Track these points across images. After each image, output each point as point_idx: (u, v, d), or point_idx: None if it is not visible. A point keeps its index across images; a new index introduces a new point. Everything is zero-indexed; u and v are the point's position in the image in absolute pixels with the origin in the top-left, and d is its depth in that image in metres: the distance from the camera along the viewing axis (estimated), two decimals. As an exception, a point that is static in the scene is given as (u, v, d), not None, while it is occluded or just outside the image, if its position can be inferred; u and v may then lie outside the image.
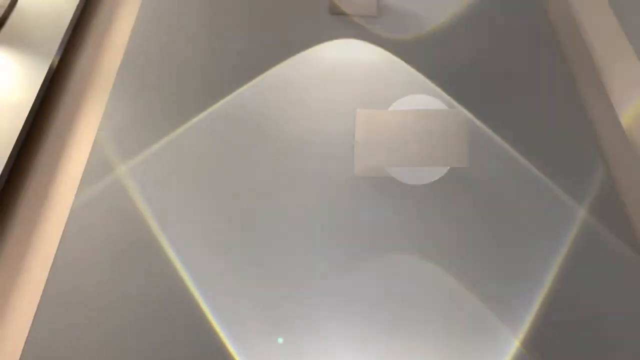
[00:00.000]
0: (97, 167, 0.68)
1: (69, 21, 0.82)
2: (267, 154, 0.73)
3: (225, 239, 0.64)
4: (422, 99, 0.75)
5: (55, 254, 0.61)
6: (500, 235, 0.68)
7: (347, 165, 0.73)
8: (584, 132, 0.80)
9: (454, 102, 0.82)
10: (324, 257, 0.64)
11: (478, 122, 0.79)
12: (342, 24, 0.91)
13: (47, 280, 0.59)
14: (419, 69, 0.85)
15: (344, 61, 0.86)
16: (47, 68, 0.75)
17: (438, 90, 0.83)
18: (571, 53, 0.93)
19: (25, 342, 0.56)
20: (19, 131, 0.68)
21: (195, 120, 0.75)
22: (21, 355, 0.55)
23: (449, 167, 0.72)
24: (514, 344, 0.61)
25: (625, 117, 0.83)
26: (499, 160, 0.76)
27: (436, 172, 0.72)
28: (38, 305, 0.58)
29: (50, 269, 0.60)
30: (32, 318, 0.57)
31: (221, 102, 0.77)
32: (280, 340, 0.59)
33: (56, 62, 0.78)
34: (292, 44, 0.87)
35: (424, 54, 0.87)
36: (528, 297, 0.63)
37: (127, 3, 0.90)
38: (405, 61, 0.86)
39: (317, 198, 0.69)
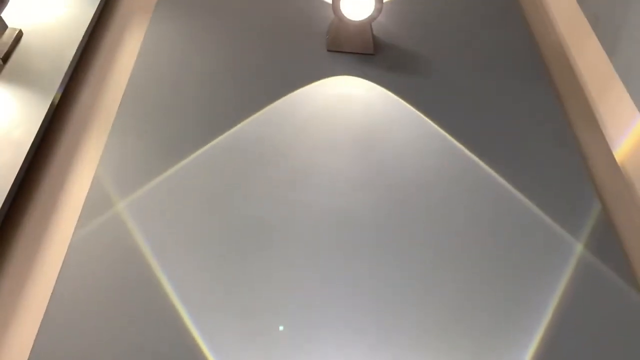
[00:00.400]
0: (96, 202, 0.68)
1: (71, 58, 0.83)
2: (265, 189, 0.73)
3: (223, 274, 0.64)
4: None
5: (54, 287, 0.61)
6: (499, 272, 0.69)
7: (345, 199, 0.73)
8: (579, 167, 0.81)
9: (449, 137, 0.83)
10: (323, 291, 0.64)
11: (474, 157, 0.80)
12: (340, 60, 0.92)
13: (46, 312, 0.59)
14: (415, 105, 0.86)
15: (342, 97, 0.88)
16: (49, 104, 0.76)
17: (434, 126, 0.84)
18: (563, 88, 0.95)
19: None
20: (19, 166, 0.69)
21: (194, 155, 0.75)
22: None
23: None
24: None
25: (619, 152, 0.85)
26: (495, 196, 0.76)
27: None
28: (36, 336, 0.57)
29: (49, 302, 0.60)
30: (30, 349, 0.57)
31: (220, 138, 0.78)
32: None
33: (58, 98, 0.79)
34: (291, 80, 0.88)
35: (419, 90, 0.89)
36: (527, 335, 0.63)
37: (129, 41, 0.92)
38: (401, 97, 0.87)
39: (315, 233, 0.70)
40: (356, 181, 0.76)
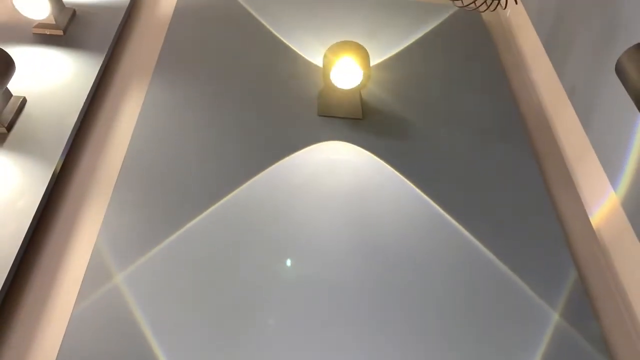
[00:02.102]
0: (96, 273, 0.71)
1: (73, 124, 0.87)
2: (259, 258, 0.77)
3: (220, 349, 0.67)
4: None
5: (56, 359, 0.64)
6: (477, 340, 0.72)
7: (334, 267, 0.77)
8: (556, 233, 0.85)
9: (431, 202, 0.87)
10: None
11: (455, 223, 0.84)
12: (330, 125, 0.97)
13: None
14: (400, 170, 0.91)
15: (332, 163, 0.92)
16: (52, 173, 0.80)
17: (417, 191, 0.88)
18: (542, 152, 0.99)
19: None
20: (22, 237, 0.72)
21: (190, 224, 0.79)
22: None
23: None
24: None
25: (595, 218, 0.89)
26: (474, 262, 0.80)
27: None
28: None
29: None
30: None
31: (216, 205, 0.82)
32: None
33: (60, 166, 0.82)
34: (284, 146, 0.92)
35: (405, 155, 0.93)
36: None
37: (128, 105, 0.96)
38: (388, 163, 0.92)
39: (308, 301, 0.73)
40: (345, 249, 0.80)
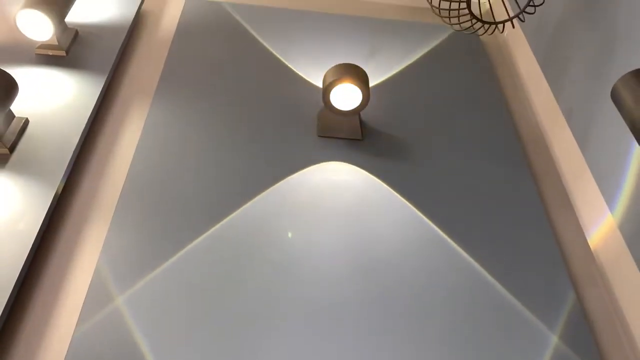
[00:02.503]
0: (97, 296, 0.72)
1: (75, 145, 0.87)
2: (260, 280, 0.77)
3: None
4: None
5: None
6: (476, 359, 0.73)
7: (335, 291, 0.77)
8: (555, 255, 0.86)
9: (430, 223, 0.87)
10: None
11: (454, 245, 0.85)
12: (329, 146, 0.98)
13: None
14: (399, 191, 0.91)
15: (332, 184, 0.92)
16: (53, 195, 0.80)
17: (416, 212, 0.89)
18: (540, 173, 1.00)
19: None
20: (24, 260, 0.72)
21: (191, 246, 0.79)
22: None
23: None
24: None
25: (593, 239, 0.90)
26: (473, 284, 0.81)
27: None
28: None
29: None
30: None
31: (217, 226, 0.82)
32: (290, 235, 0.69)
33: (61, 188, 0.83)
34: (284, 166, 0.93)
35: (403, 176, 0.94)
36: None
37: (129, 126, 0.97)
38: (387, 184, 0.92)
39: (311, 325, 0.73)
40: (344, 270, 0.80)
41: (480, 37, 1.26)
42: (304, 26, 1.24)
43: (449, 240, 0.86)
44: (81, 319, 0.69)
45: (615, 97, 0.67)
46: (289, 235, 0.73)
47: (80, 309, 0.70)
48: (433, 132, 1.03)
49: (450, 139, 1.03)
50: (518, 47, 1.23)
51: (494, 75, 1.18)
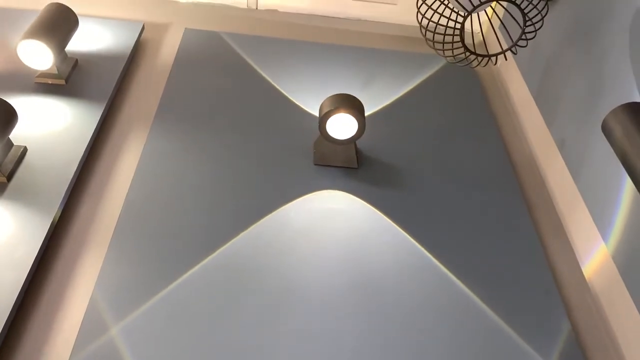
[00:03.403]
0: (92, 326, 0.71)
1: (72, 173, 0.88)
2: (255, 309, 0.77)
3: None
4: None
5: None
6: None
7: (330, 319, 0.77)
8: (549, 284, 0.86)
9: (425, 252, 0.88)
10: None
11: (449, 274, 0.85)
12: (325, 174, 0.98)
13: None
14: (394, 219, 0.92)
15: (327, 212, 0.93)
16: (50, 223, 0.81)
17: (411, 240, 0.89)
18: (533, 201, 1.01)
19: None
20: (19, 289, 0.72)
21: (187, 275, 0.79)
22: None
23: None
24: None
25: (587, 268, 0.90)
26: (468, 313, 0.81)
27: None
28: None
29: None
30: None
31: (213, 255, 0.83)
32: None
33: (58, 216, 0.83)
34: (280, 195, 0.93)
35: (398, 204, 0.95)
36: None
37: (127, 154, 0.97)
38: (382, 212, 0.93)
39: (308, 354, 0.73)
40: (341, 299, 0.80)
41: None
42: (301, 56, 1.26)
43: (444, 269, 0.86)
44: (75, 350, 0.69)
45: (605, 130, 0.69)
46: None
47: (75, 339, 0.70)
48: (427, 161, 1.04)
49: (444, 167, 1.04)
50: (511, 77, 1.25)
51: (487, 104, 1.20)
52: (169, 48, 1.23)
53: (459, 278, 0.85)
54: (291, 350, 0.73)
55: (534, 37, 0.91)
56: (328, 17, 1.40)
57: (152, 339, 0.72)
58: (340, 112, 0.92)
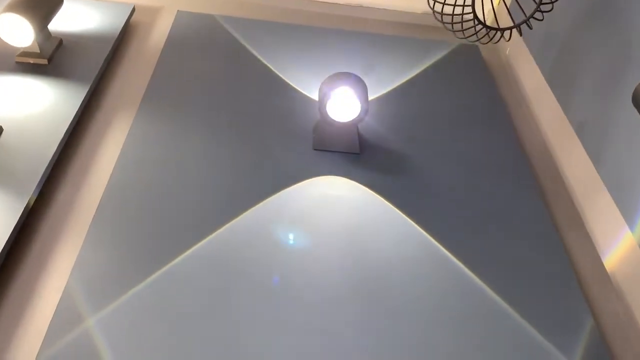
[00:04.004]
0: (65, 318, 0.64)
1: (50, 157, 0.81)
2: (249, 301, 0.70)
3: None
4: None
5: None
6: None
7: (332, 309, 0.70)
8: (569, 278, 0.79)
9: (433, 241, 0.81)
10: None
11: (459, 264, 0.78)
12: (325, 160, 0.92)
13: None
14: (399, 207, 0.85)
15: (327, 199, 0.86)
16: (24, 207, 0.74)
17: (418, 229, 0.82)
18: (549, 192, 0.94)
19: None
20: (-14, 277, 0.65)
21: (172, 264, 0.72)
22: None
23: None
24: None
25: (609, 261, 0.83)
26: (483, 307, 0.74)
27: None
28: None
29: None
30: None
31: (201, 243, 0.76)
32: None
33: (33, 200, 0.76)
34: (277, 180, 0.86)
35: (403, 191, 0.88)
36: None
37: (111, 139, 0.91)
38: (386, 199, 0.86)
39: (304, 346, 0.66)
40: (341, 289, 0.73)
41: (482, 54, 1.22)
42: (300, 40, 1.19)
43: (456, 260, 0.79)
44: (46, 342, 0.62)
45: (637, 100, 0.62)
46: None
47: (46, 330, 0.63)
48: (433, 148, 0.98)
49: (451, 154, 0.97)
50: (521, 63, 1.18)
51: (496, 90, 1.13)
52: (160, 31, 1.16)
53: (471, 271, 0.78)
54: (287, 340, 0.66)
55: (551, 10, 0.84)
56: (328, 2, 1.34)
57: (132, 332, 0.65)
58: (342, 89, 0.85)
